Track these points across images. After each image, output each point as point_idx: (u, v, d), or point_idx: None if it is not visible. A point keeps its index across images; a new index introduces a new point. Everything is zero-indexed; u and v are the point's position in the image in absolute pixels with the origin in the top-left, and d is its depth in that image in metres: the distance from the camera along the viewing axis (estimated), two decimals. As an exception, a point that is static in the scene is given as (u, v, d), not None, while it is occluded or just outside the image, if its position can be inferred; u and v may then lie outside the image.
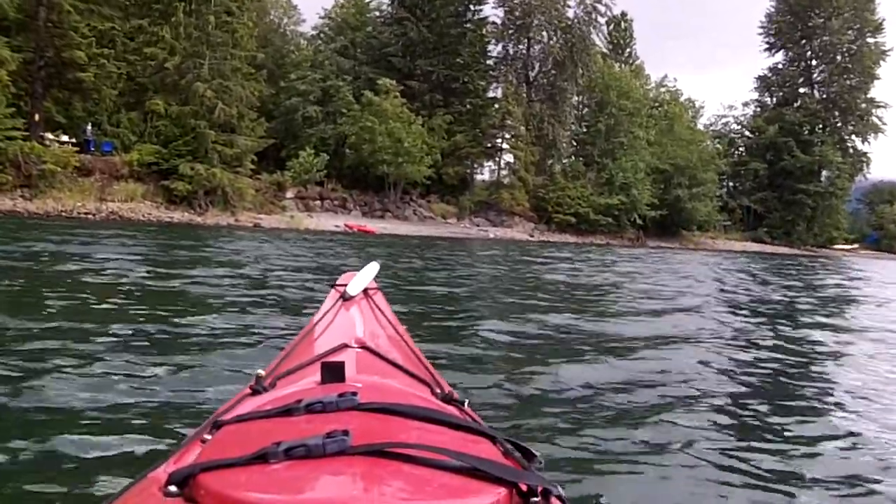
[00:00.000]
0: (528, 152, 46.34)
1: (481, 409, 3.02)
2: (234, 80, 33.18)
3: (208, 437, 1.13)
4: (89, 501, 2.17)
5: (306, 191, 38.11)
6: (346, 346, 1.66)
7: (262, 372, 1.45)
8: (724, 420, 3.77)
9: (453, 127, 43.94)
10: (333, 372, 1.35)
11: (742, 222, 60.38)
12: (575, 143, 51.74)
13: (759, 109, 65.72)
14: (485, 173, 49.57)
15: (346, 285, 2.22)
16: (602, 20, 53.20)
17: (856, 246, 64.74)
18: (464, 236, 37.73)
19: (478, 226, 43.10)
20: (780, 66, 66.64)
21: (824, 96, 64.83)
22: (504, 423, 3.13)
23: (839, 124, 64.76)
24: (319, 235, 26.40)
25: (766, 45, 67.07)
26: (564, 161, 50.39)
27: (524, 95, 48.76)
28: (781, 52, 66.66)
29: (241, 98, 33.40)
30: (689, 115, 57.22)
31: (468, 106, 46.14)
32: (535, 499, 0.93)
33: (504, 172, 47.65)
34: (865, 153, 65.67)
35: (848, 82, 64.32)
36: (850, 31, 63.79)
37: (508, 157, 47.51)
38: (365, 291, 2.25)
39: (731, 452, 3.18)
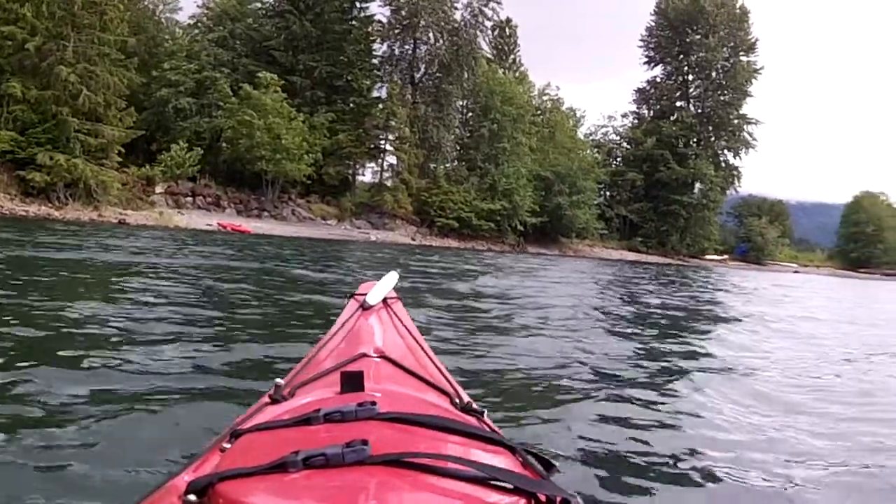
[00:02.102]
0: (412, 154, 47.95)
1: (500, 420, 3.34)
2: (101, 65, 32.97)
3: (227, 445, 1.19)
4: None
5: (177, 186, 38.13)
6: (365, 355, 1.73)
7: (281, 381, 1.52)
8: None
9: (336, 125, 44.96)
10: (352, 381, 1.42)
11: (619, 231, 64.49)
12: (459, 147, 53.87)
13: (637, 121, 70.63)
14: (367, 174, 50.93)
15: (365, 294, 2.31)
16: (488, 24, 55.68)
17: (725, 257, 70.36)
18: (345, 238, 38.68)
19: (359, 228, 44.15)
20: (658, 79, 71.83)
21: (699, 111, 70.37)
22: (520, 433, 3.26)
23: (713, 138, 70.41)
24: (189, 234, 26.42)
25: (646, 59, 72.17)
26: (448, 165, 52.40)
27: (409, 97, 50.38)
28: (660, 66, 72.00)
29: (109, 85, 33.23)
30: (570, 123, 60.66)
31: (352, 105, 47.29)
32: None
33: (387, 174, 49.21)
34: (737, 167, 71.93)
35: (722, 98, 70.16)
36: (725, 49, 69.55)
37: (392, 159, 49.17)
38: (384, 301, 2.34)
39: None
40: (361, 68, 47.89)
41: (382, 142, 48.90)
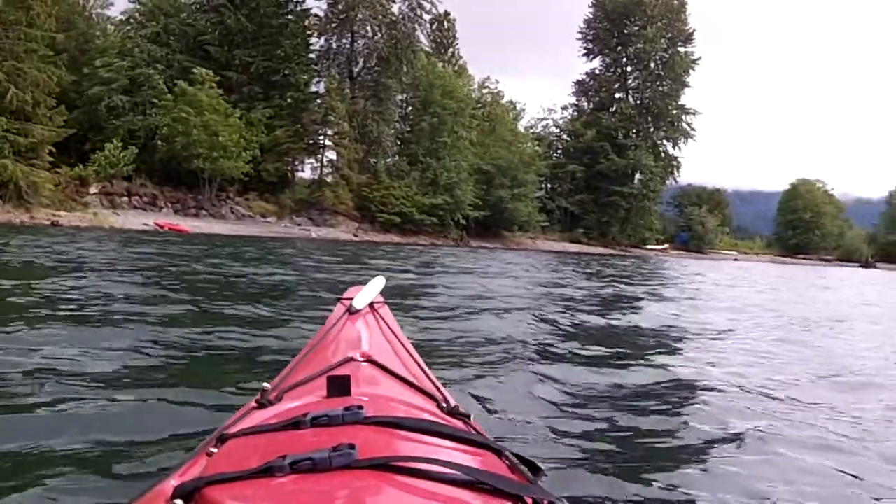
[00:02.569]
0: (352, 150, 48.45)
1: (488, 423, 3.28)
2: (28, 62, 32.81)
3: (214, 450, 1.20)
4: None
5: (112, 186, 38.07)
6: (351, 359, 1.75)
7: (267, 385, 1.54)
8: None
9: (273, 121, 45.23)
10: (339, 385, 1.44)
11: (560, 223, 65.95)
12: (399, 142, 54.49)
13: (576, 113, 72.22)
14: (307, 171, 51.15)
15: (352, 299, 2.35)
16: (427, 17, 56.41)
17: (666, 246, 72.48)
18: (285, 236, 39.03)
19: (299, 225, 44.48)
20: (597, 71, 73.58)
21: (638, 102, 72.36)
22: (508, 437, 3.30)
23: (652, 129, 72.51)
24: (125, 235, 26.31)
25: (585, 51, 73.82)
26: (389, 160, 53.00)
27: (348, 91, 50.83)
28: (599, 57, 73.87)
29: (38, 83, 33.11)
30: (510, 116, 61.75)
31: (289, 100, 47.60)
32: None
33: (327, 170, 49.57)
34: (676, 157, 74.27)
35: (661, 89, 72.29)
36: (662, 40, 71.67)
37: (331, 155, 49.61)
38: (371, 305, 2.37)
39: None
40: (299, 63, 48.18)
41: (321, 137, 49.24)
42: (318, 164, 49.74)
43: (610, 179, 66.08)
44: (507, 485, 1.00)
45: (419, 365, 1.95)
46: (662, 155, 72.69)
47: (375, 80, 52.28)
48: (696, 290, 17.09)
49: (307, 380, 1.60)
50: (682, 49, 73.00)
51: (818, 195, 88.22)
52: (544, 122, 71.98)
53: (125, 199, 38.57)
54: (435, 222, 49.94)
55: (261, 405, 1.44)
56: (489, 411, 3.66)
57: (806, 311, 12.70)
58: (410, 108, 55.46)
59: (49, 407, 3.19)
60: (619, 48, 72.54)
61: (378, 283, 2.61)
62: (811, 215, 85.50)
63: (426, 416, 1.35)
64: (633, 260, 44.05)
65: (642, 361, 5.87)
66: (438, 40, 62.21)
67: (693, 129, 73.92)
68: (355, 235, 45.37)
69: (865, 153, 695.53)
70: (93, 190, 37.01)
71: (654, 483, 2.88)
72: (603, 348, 6.40)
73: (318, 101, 49.21)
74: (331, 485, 0.96)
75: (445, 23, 62.72)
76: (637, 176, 69.10)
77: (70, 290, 7.64)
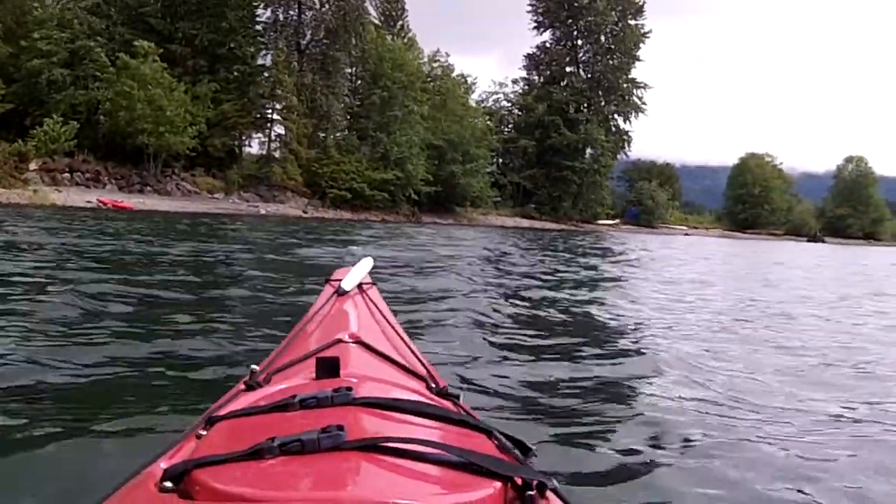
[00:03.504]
0: (301, 124, 48.77)
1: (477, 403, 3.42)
2: (-39, 34, 32.41)
3: (203, 432, 1.23)
4: (85, 497, 2.20)
5: (53, 162, 37.96)
6: (340, 341, 1.79)
7: (256, 367, 1.57)
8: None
9: (220, 95, 45.32)
10: (328, 367, 1.48)
11: (512, 198, 67.30)
12: (349, 116, 54.92)
13: (527, 87, 73.38)
14: (254, 146, 51.36)
15: (340, 280, 2.39)
16: (375, -12, 56.59)
17: (617, 221, 74.47)
18: (233, 212, 39.39)
19: (247, 201, 44.76)
20: (548, 44, 74.75)
21: (589, 76, 73.87)
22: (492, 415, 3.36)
23: (603, 103, 74.16)
24: (66, 212, 26.13)
25: (535, 24, 74.88)
26: (338, 134, 53.37)
27: (296, 64, 51.07)
28: (549, 31, 74.87)
29: (-28, 57, 32.76)
30: (461, 90, 62.49)
31: (236, 73, 47.66)
32: (531, 492, 1.00)
33: (275, 145, 49.87)
34: (627, 132, 75.90)
35: (611, 62, 73.89)
36: (613, 13, 73.00)
37: (279, 129, 49.90)
38: (360, 286, 2.41)
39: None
40: (245, 35, 48.20)
41: (269, 111, 49.52)
42: (266, 139, 50.13)
43: (561, 154, 67.48)
44: (497, 465, 1.03)
45: (408, 346, 1.98)
46: (613, 129, 74.33)
47: (324, 53, 52.57)
48: (651, 265, 18.16)
49: (296, 361, 1.64)
50: (632, 22, 74.53)
51: (767, 169, 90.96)
52: (495, 97, 73.30)
53: (67, 175, 38.45)
54: (386, 198, 50.56)
55: (249, 387, 1.48)
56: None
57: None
58: (360, 81, 55.91)
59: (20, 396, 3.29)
60: (570, 21, 73.79)
61: (366, 264, 2.72)
62: (760, 190, 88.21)
63: (415, 398, 1.40)
64: (584, 236, 45.28)
65: (599, 341, 6.33)
66: (387, 13, 62.59)
67: (644, 104, 75.72)
68: (305, 212, 45.77)
69: (810, 128, 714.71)
70: (33, 166, 36.83)
71: (639, 460, 3.05)
72: (562, 331, 6.74)
73: (266, 74, 49.36)
74: (320, 466, 1.00)
75: (394, -6, 63.09)
76: (588, 150, 70.68)
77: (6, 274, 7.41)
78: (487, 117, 65.48)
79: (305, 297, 6.53)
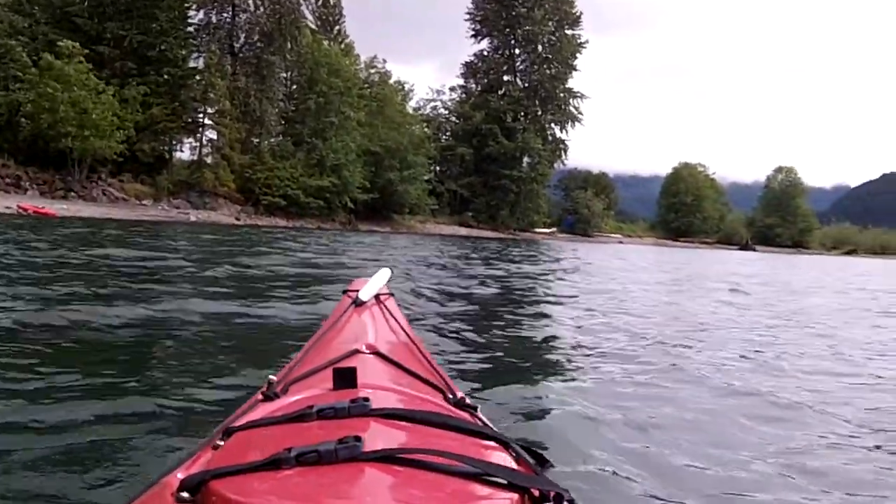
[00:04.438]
0: (234, 129, 48.19)
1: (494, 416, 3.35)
2: None
3: (220, 442, 1.24)
4: None
5: (-29, 167, 36.53)
6: (357, 351, 1.80)
7: (273, 377, 1.59)
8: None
9: (149, 99, 44.41)
10: (345, 378, 1.49)
11: (450, 206, 67.61)
12: (284, 122, 54.41)
13: (465, 95, 73.93)
14: (185, 151, 50.37)
15: (357, 291, 2.40)
16: (311, -8, 56.25)
17: (554, 229, 75.48)
18: (162, 220, 38.56)
19: (177, 208, 43.95)
20: (485, 53, 75.37)
21: (527, 84, 74.84)
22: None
23: (540, 112, 75.11)
24: None
25: (473, 32, 75.49)
26: (272, 140, 52.82)
27: (229, 68, 50.41)
28: (487, 39, 75.73)
29: None
30: (398, 97, 62.48)
31: (166, 76, 46.75)
32: None
33: (207, 150, 48.99)
34: (563, 141, 76.94)
35: (549, 72, 74.80)
36: (550, 23, 74.02)
37: (211, 134, 49.12)
38: (377, 297, 2.43)
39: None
40: (176, 37, 47.32)
41: (201, 116, 48.75)
42: (198, 144, 49.25)
43: (499, 162, 68.12)
44: (514, 476, 1.04)
45: (425, 357, 1.99)
46: (550, 138, 75.40)
47: (258, 57, 52.04)
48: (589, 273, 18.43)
49: (313, 372, 1.66)
50: (569, 32, 75.84)
51: (699, 179, 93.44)
52: (433, 104, 73.57)
53: (-15, 180, 37.16)
54: (322, 205, 50.27)
55: (267, 397, 1.49)
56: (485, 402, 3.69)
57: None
58: (295, 86, 55.47)
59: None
60: (508, 30, 74.68)
61: (384, 275, 2.72)
62: (693, 198, 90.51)
63: (432, 409, 1.41)
64: (522, 244, 45.65)
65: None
66: (324, 17, 62.26)
67: (580, 113, 76.98)
68: (237, 219, 45.19)
69: (737, 139, 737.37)
70: (-51, 171, 35.50)
71: (663, 474, 3.03)
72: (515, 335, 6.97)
73: (198, 77, 48.54)
74: (337, 477, 1.01)
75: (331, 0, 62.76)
76: (525, 159, 71.62)
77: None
78: (425, 124, 65.71)
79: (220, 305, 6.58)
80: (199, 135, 49.12)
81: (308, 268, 13.32)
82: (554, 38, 74.98)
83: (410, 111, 65.80)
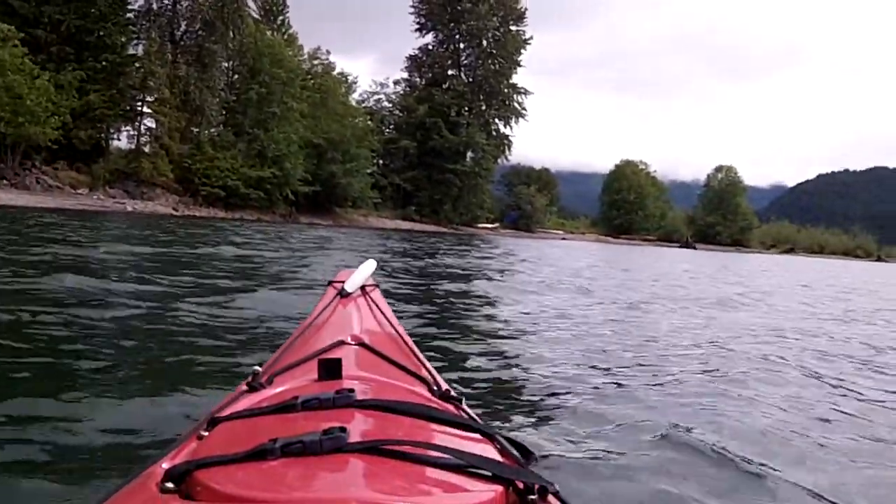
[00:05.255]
0: (173, 118, 47.95)
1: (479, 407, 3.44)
2: None
3: (205, 433, 1.25)
4: (86, 498, 2.29)
5: None
6: (343, 342, 1.84)
7: (258, 368, 1.60)
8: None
9: (86, 85, 43.94)
10: (330, 369, 1.51)
11: (393, 200, 67.99)
12: (225, 112, 54.16)
13: (409, 89, 74.47)
14: (123, 139, 49.87)
15: (343, 282, 2.42)
16: (255, -19, 56.19)
17: (497, 225, 76.53)
18: (98, 209, 38.31)
19: (114, 198, 43.53)
20: (430, 46, 76.13)
21: (471, 79, 75.68)
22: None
23: (484, 107, 76.22)
24: None
25: (418, 26, 76.09)
26: (213, 130, 52.60)
27: (169, 56, 50.05)
28: (432, 33, 76.39)
29: None
30: (342, 89, 62.72)
31: (104, 63, 46.26)
32: (532, 496, 1.02)
33: (145, 139, 48.53)
34: (507, 136, 78.11)
35: (493, 67, 75.78)
36: (495, 18, 74.92)
37: (150, 123, 48.67)
38: (362, 288, 2.45)
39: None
40: (115, 23, 46.86)
41: (139, 104, 48.37)
42: (136, 133, 48.80)
43: (443, 157, 68.90)
44: (498, 469, 1.05)
45: (411, 349, 2.00)
46: (494, 133, 76.47)
47: (199, 45, 51.79)
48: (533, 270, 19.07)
49: (298, 363, 1.66)
50: (513, 28, 76.95)
51: (641, 177, 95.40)
52: (376, 97, 73.89)
53: (-88, 166, 36.53)
54: (262, 197, 50.33)
55: (252, 388, 1.50)
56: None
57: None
58: (237, 76, 55.33)
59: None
60: (452, 24, 75.49)
61: (369, 266, 2.74)
62: (635, 196, 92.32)
63: (417, 400, 1.42)
64: (464, 239, 46.28)
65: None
66: (268, 7, 62.12)
67: (524, 109, 78.18)
68: (175, 210, 44.97)
69: (677, 138, 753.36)
70: None
71: (646, 470, 3.03)
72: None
73: (137, 64, 48.05)
74: (321, 468, 1.02)
75: (275, -11, 62.69)
76: (469, 154, 72.53)
77: None
78: (368, 117, 66.01)
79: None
80: (137, 123, 48.69)
81: (242, 262, 13.02)
82: (499, 34, 76.08)
83: (354, 103, 66.17)
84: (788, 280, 25.24)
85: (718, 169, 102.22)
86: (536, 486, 1.04)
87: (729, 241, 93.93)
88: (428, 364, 1.85)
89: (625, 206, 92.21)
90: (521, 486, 1.04)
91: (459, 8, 73.95)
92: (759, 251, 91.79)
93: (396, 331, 2.18)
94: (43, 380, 3.83)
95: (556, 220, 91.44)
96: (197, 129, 51.29)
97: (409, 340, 2.11)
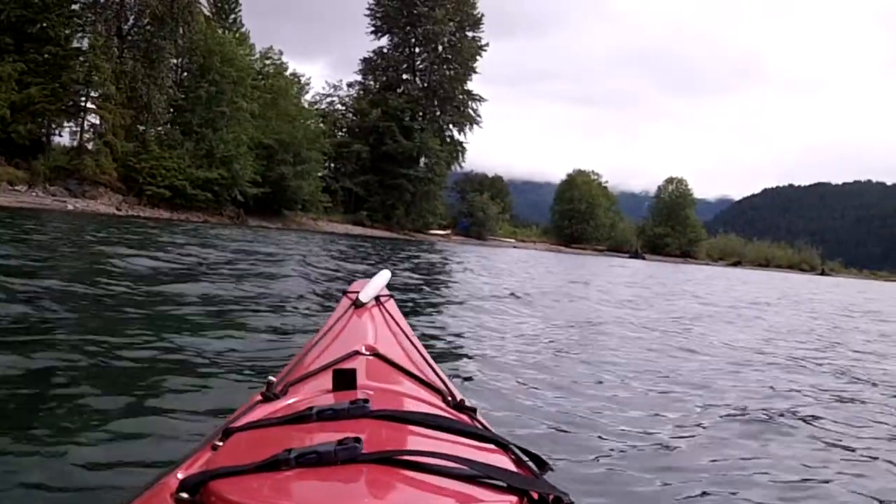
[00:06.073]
0: (118, 115, 46.82)
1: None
2: None
3: (219, 443, 1.26)
4: None
5: None
6: (357, 353, 1.85)
7: (273, 378, 1.62)
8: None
9: (27, 78, 42.76)
10: (345, 379, 1.53)
11: (344, 204, 67.51)
12: (172, 110, 53.12)
13: (363, 92, 74.06)
14: (65, 135, 48.55)
15: (357, 292, 2.43)
16: (207, -23, 55.27)
17: (449, 231, 76.51)
18: (36, 207, 37.30)
19: (54, 196, 42.46)
20: (385, 50, 75.71)
21: (426, 84, 75.48)
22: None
23: (439, 113, 76.18)
24: None
25: (373, 29, 75.91)
26: (160, 128, 51.58)
27: (115, 50, 48.79)
28: (387, 36, 76.27)
29: None
30: (294, 90, 62.05)
31: (46, 55, 44.98)
32: None
33: (89, 136, 47.30)
34: (461, 143, 78.17)
35: (448, 72, 75.75)
36: (451, 23, 74.90)
37: (94, 119, 47.40)
38: (377, 299, 2.47)
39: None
40: (59, 14, 45.61)
41: (83, 99, 47.13)
42: (79, 129, 47.53)
43: (396, 161, 68.64)
44: (513, 479, 1.06)
45: (425, 359, 2.01)
46: (448, 139, 76.45)
47: (148, 41, 50.62)
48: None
49: (313, 373, 1.68)
50: (469, 34, 77.07)
51: (593, 187, 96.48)
52: (329, 100, 73.38)
53: None
54: (210, 198, 49.46)
55: (266, 398, 1.51)
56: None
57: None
58: (186, 73, 54.33)
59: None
60: (408, 28, 75.32)
61: (384, 276, 2.79)
62: (586, 206, 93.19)
63: (432, 411, 1.43)
64: (420, 245, 46.12)
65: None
66: (220, 5, 61.22)
67: (479, 116, 78.42)
68: (119, 209, 44.07)
69: (625, 149, 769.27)
70: None
71: (657, 476, 3.10)
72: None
73: (81, 58, 46.84)
74: (336, 479, 1.03)
75: (228, -13, 61.84)
76: (423, 159, 72.33)
77: None
78: (320, 119, 65.45)
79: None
80: (80, 119, 47.48)
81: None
82: (455, 39, 76.07)
83: (306, 105, 65.52)
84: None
85: (669, 181, 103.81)
86: (551, 497, 1.06)
87: (678, 252, 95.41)
88: (442, 374, 1.89)
89: (576, 215, 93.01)
90: (535, 496, 1.06)
91: (416, 11, 73.79)
92: (707, 263, 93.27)
93: (411, 341, 2.19)
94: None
95: (509, 228, 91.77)
96: (143, 127, 50.21)
97: (424, 351, 2.13)
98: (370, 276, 2.90)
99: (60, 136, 48.36)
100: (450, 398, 1.64)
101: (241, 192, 51.70)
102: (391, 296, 2.72)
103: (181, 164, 48.17)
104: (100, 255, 12.32)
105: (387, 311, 2.46)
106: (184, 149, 49.45)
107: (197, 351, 4.87)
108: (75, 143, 47.35)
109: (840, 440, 4.32)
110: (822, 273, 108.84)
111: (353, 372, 1.56)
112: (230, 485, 1.00)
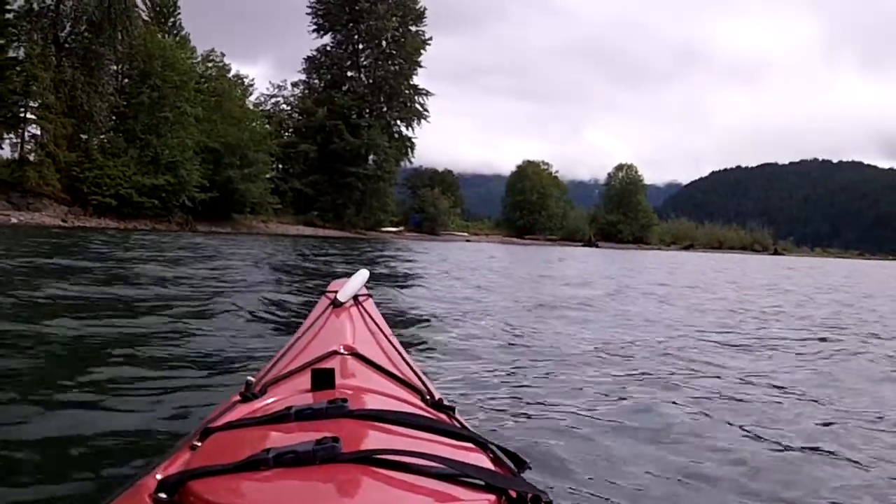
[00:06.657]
0: (59, 124, 46.44)
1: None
2: None
3: (198, 443, 1.26)
4: None
5: None
6: (336, 352, 1.86)
7: (251, 378, 1.61)
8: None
9: (-37, 90, 42.08)
10: (323, 379, 1.53)
11: (294, 205, 67.54)
12: (115, 117, 52.66)
13: (308, 91, 74.09)
14: (5, 147, 47.92)
15: (336, 292, 2.44)
16: (143, -20, 54.93)
17: (401, 228, 77.00)
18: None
19: (-3, 209, 41.98)
20: (329, 48, 75.80)
21: (371, 81, 75.73)
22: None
23: (385, 109, 76.63)
24: None
25: (315, 27, 75.94)
26: (103, 136, 51.15)
27: (53, 59, 48.32)
28: (330, 34, 76.26)
29: None
30: (238, 92, 61.87)
31: (-18, 67, 44.39)
32: None
33: (30, 147, 46.84)
34: (410, 138, 78.62)
35: (393, 68, 76.14)
36: (394, 18, 75.22)
37: (35, 130, 46.91)
38: (355, 298, 2.47)
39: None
40: (-7, 25, 45.12)
41: (22, 109, 46.63)
42: (19, 141, 47.00)
43: (344, 160, 68.86)
44: (491, 478, 1.08)
45: (403, 358, 2.01)
46: (396, 136, 76.82)
47: (86, 48, 50.21)
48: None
49: (291, 373, 1.68)
50: (413, 28, 77.39)
51: (544, 177, 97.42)
52: (274, 100, 73.26)
53: None
54: (157, 205, 49.21)
55: (245, 398, 1.51)
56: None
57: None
58: (127, 79, 53.87)
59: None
60: (351, 24, 75.49)
61: (362, 276, 2.80)
62: (538, 196, 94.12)
63: (410, 410, 1.44)
64: (373, 243, 46.37)
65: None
66: (158, 8, 60.77)
67: (426, 111, 78.83)
68: (64, 221, 43.66)
69: (572, 138, 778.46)
70: None
71: (640, 473, 3.05)
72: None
73: (18, 68, 46.32)
74: (315, 478, 1.04)
75: (165, -10, 61.35)
76: (371, 157, 72.61)
77: None
78: (266, 121, 65.31)
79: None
80: (20, 130, 46.97)
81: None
82: (398, 34, 76.39)
83: (251, 106, 65.38)
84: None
85: (619, 168, 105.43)
86: (529, 496, 1.08)
87: (630, 238, 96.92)
88: (421, 373, 1.92)
89: (528, 206, 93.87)
90: (514, 495, 1.08)
91: (358, 8, 73.92)
92: (660, 248, 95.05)
93: (389, 340, 2.21)
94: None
95: (460, 222, 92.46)
96: (85, 136, 49.74)
97: (402, 350, 2.13)
98: (349, 275, 2.92)
99: (1, 148, 47.77)
100: (428, 397, 1.65)
101: (189, 198, 51.42)
102: (369, 295, 2.76)
103: (126, 171, 47.86)
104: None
105: (365, 310, 2.48)
106: (128, 156, 49.14)
107: (168, 354, 4.97)
108: (16, 155, 46.77)
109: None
110: (776, 252, 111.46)
111: (331, 371, 1.58)
112: (209, 485, 1.02)
